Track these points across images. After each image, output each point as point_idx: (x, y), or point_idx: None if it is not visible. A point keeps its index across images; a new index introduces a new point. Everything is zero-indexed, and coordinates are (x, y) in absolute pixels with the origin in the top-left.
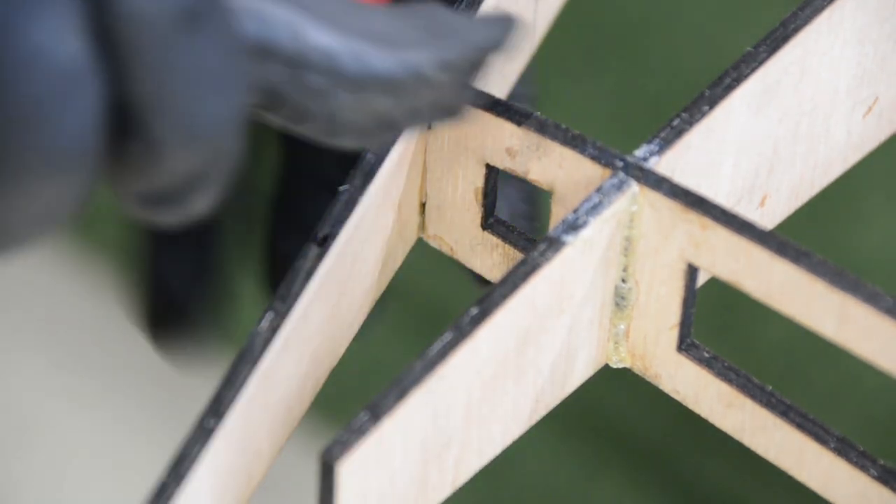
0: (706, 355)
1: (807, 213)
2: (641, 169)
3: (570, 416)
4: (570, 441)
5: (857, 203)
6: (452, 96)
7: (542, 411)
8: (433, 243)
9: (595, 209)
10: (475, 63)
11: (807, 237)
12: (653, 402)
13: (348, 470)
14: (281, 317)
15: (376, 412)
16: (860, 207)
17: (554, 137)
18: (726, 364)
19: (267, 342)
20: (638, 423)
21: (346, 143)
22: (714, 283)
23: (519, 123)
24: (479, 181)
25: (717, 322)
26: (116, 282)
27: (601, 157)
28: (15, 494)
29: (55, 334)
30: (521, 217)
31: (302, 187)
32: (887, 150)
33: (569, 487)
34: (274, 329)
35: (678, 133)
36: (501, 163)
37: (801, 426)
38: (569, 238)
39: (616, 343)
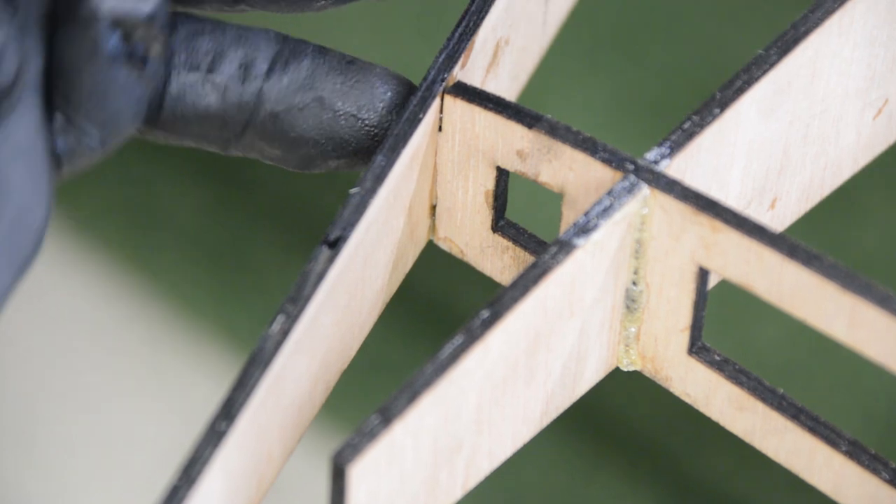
0: (717, 358)
1: (814, 215)
2: (652, 172)
3: (571, 416)
4: (571, 441)
5: (863, 204)
6: None
7: (553, 414)
8: (443, 246)
9: (606, 212)
10: None
11: (811, 237)
12: (654, 402)
13: (359, 473)
14: (292, 320)
15: (387, 415)
16: (867, 208)
17: (565, 140)
18: (737, 367)
19: (278, 345)
20: (638, 422)
21: None
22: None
23: (530, 126)
24: (490, 184)
25: (715, 320)
26: (118, 281)
27: (612, 159)
28: (16, 494)
29: (56, 334)
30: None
31: None
32: (891, 151)
33: (569, 487)
34: (285, 332)
35: (689, 136)
36: (512, 165)
37: (812, 429)
38: (580, 241)
39: (627, 346)
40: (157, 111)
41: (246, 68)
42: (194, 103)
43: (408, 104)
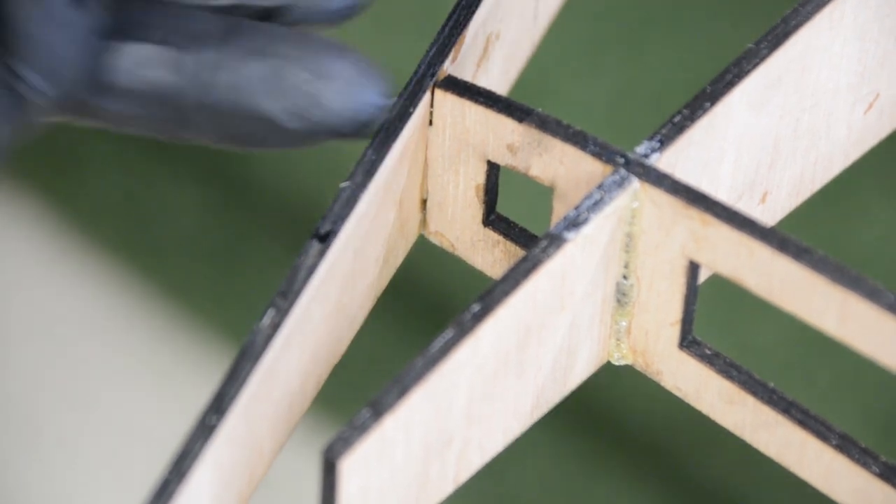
0: (707, 352)
1: (805, 209)
2: (643, 165)
3: (570, 413)
4: (570, 439)
5: (854, 199)
6: None
7: (544, 408)
8: (434, 240)
9: (596, 206)
10: None
11: (805, 233)
12: (652, 400)
13: (350, 467)
14: (283, 314)
15: (378, 409)
16: (858, 203)
17: (555, 134)
18: (728, 360)
19: (269, 339)
20: (637, 420)
21: None
22: (714, 278)
23: (520, 120)
24: (481, 178)
25: (717, 318)
26: (118, 281)
27: (602, 153)
28: (15, 493)
29: (56, 333)
30: None
31: None
32: (886, 146)
33: (568, 486)
34: (276, 326)
35: (679, 129)
36: (503, 159)
37: (802, 423)
38: (570, 235)
39: (617, 339)
40: (99, 90)
41: (198, 39)
42: (145, 77)
43: (398, 98)
